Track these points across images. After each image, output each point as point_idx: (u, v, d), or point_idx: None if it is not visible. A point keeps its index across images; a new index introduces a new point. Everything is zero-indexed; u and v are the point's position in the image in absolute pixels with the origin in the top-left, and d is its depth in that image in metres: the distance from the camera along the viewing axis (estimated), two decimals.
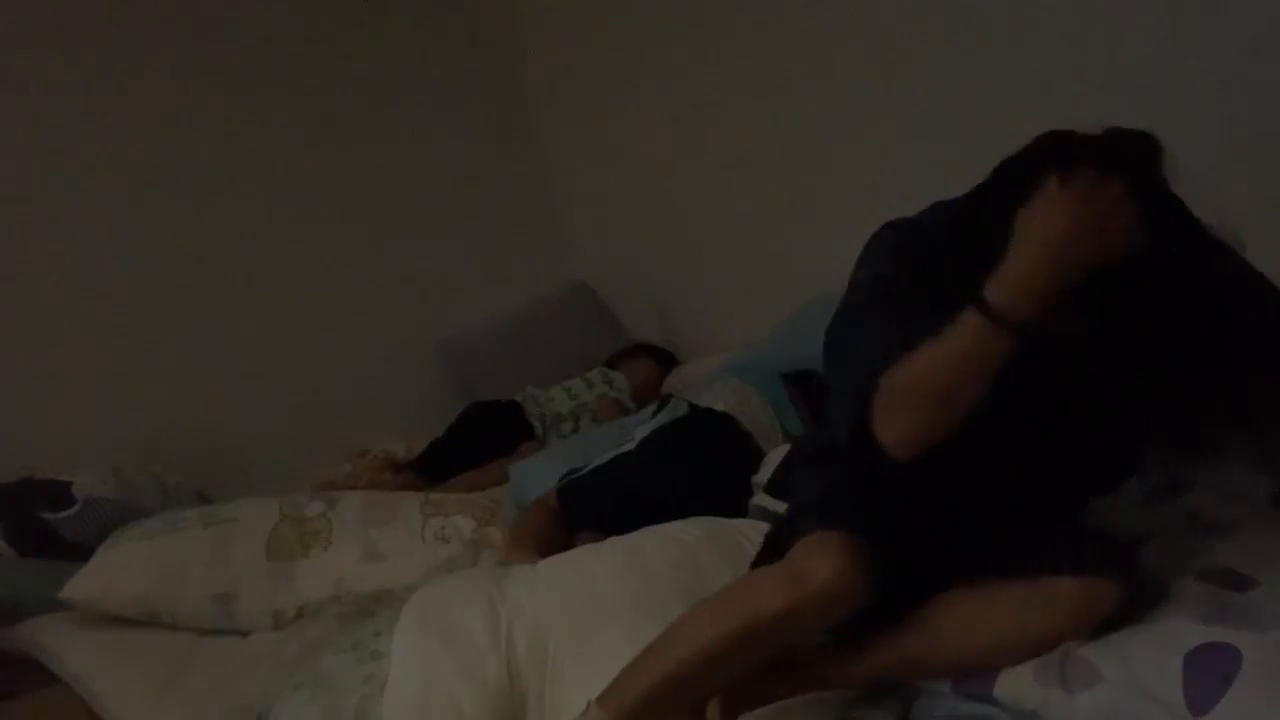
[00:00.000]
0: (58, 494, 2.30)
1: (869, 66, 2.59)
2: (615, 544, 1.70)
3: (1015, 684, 1.26)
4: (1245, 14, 1.93)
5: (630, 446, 2.13)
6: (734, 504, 1.92)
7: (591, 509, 2.00)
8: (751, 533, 1.70)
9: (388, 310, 3.26)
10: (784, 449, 2.04)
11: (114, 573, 2.04)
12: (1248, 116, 1.96)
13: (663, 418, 2.20)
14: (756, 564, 1.47)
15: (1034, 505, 1.38)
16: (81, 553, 2.13)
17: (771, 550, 1.44)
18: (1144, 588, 1.29)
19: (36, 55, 2.69)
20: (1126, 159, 1.17)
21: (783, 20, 2.74)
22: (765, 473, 1.98)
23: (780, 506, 1.77)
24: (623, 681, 1.32)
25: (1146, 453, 1.52)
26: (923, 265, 1.31)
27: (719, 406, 2.19)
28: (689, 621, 1.34)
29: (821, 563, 1.26)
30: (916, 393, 1.20)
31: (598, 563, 1.63)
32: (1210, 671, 1.14)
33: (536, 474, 2.27)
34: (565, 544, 1.88)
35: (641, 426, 2.22)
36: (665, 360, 3.16)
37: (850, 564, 1.25)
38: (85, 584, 2.02)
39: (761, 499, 1.91)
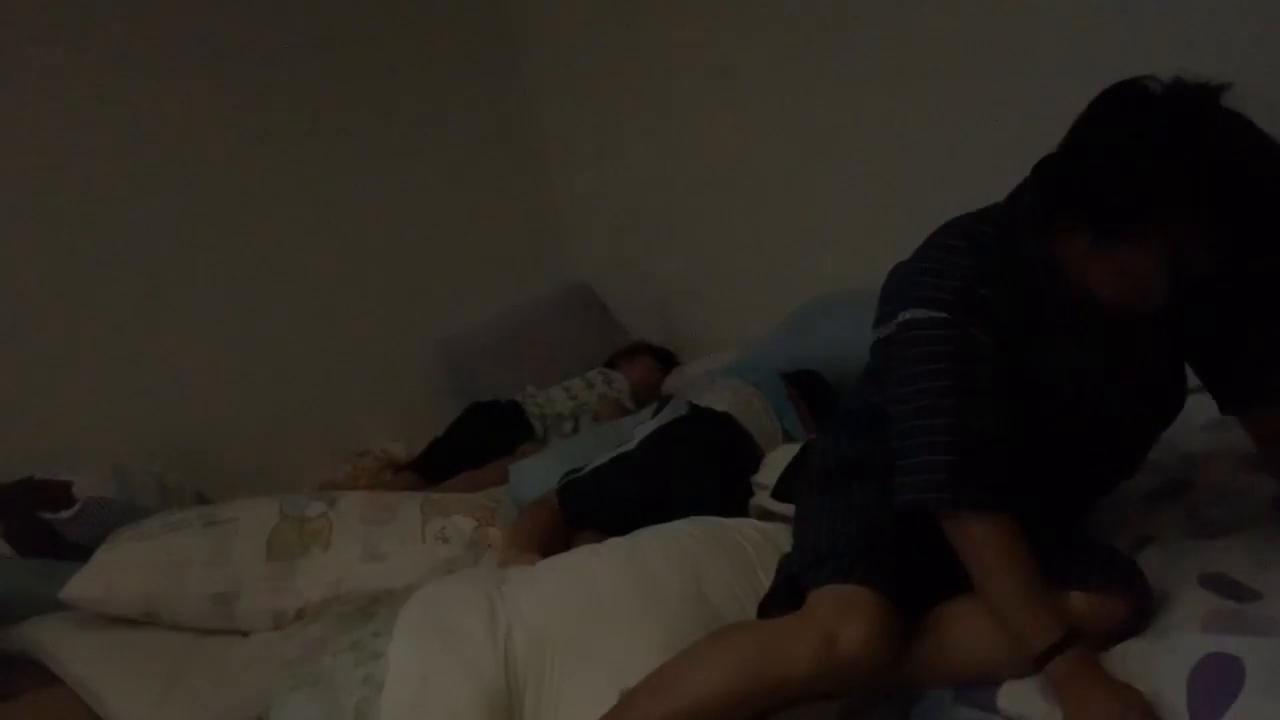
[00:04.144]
0: (58, 494, 2.30)
1: (870, 68, 2.59)
2: (615, 544, 1.70)
3: (1019, 695, 1.25)
4: None
5: (630, 446, 2.13)
6: (734, 504, 1.92)
7: (591, 509, 2.00)
8: (751, 532, 1.70)
9: (388, 310, 3.26)
10: (785, 449, 2.03)
11: (114, 573, 2.04)
12: None
13: (663, 418, 2.20)
14: (772, 598, 1.45)
15: (1048, 510, 1.38)
16: (81, 553, 2.13)
17: (785, 583, 1.42)
18: (1149, 603, 1.29)
19: (43, 58, 2.69)
20: (1191, 111, 1.18)
21: (784, 22, 2.74)
22: (765, 473, 1.97)
23: (783, 509, 1.76)
24: (629, 708, 1.32)
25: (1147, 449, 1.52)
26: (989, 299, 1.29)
27: (719, 406, 2.18)
28: (709, 662, 1.32)
29: (855, 627, 1.26)
30: (970, 554, 1.26)
31: (597, 563, 1.63)
32: (1214, 683, 1.13)
33: (536, 474, 2.27)
34: (565, 544, 1.88)
35: (641, 426, 2.22)
36: (665, 360, 3.16)
37: (882, 628, 1.26)
38: (85, 584, 2.02)
39: (762, 499, 1.91)
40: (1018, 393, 1.29)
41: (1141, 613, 1.28)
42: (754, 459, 2.07)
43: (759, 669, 1.27)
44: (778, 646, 1.29)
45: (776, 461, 1.95)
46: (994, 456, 1.26)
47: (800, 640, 1.27)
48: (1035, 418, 1.31)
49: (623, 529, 1.75)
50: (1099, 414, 1.35)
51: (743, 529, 1.72)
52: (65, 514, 2.26)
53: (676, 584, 1.56)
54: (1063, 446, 1.35)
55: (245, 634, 2.03)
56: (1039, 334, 1.31)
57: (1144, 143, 1.18)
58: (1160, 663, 1.19)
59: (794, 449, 1.92)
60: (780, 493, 1.79)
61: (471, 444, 2.83)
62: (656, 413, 2.28)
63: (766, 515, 1.85)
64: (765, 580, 1.53)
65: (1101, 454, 1.41)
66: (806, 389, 2.30)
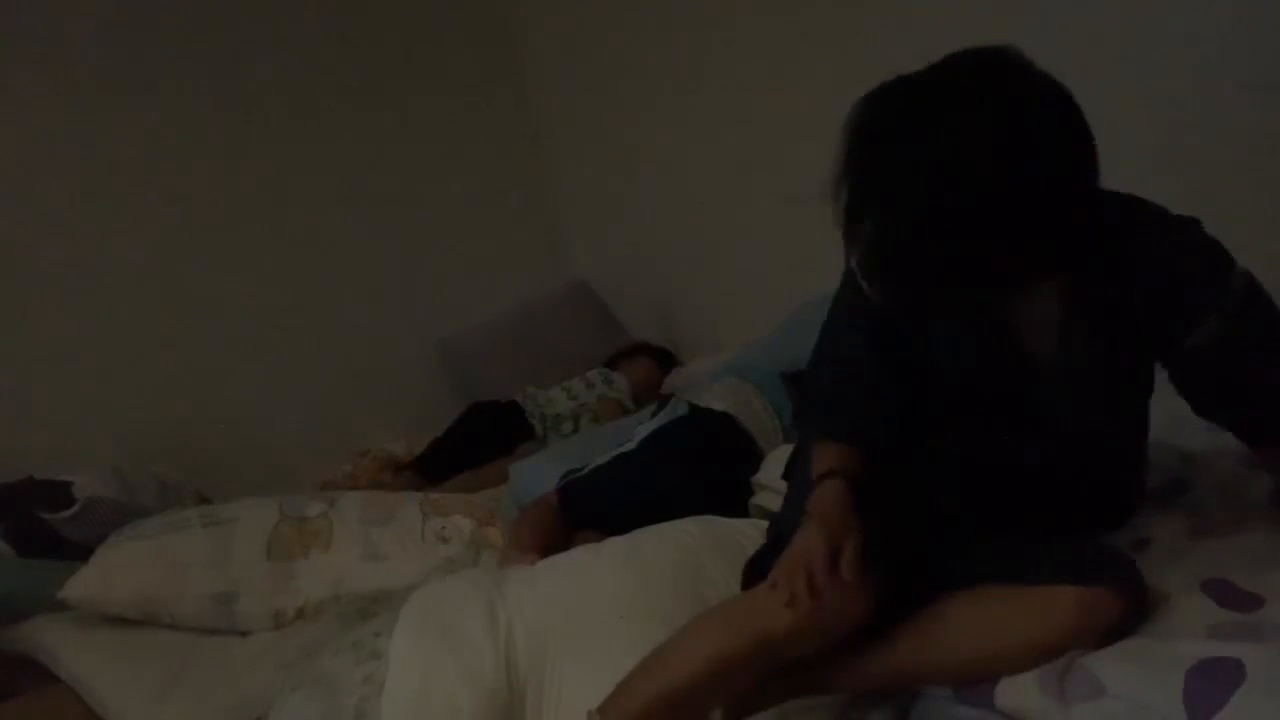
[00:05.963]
0: (58, 494, 2.30)
1: (870, 66, 2.58)
2: (615, 544, 1.70)
3: (1017, 693, 1.25)
4: None
5: (630, 446, 2.13)
6: (734, 504, 1.92)
7: (591, 509, 2.00)
8: (751, 532, 1.70)
9: (388, 310, 3.26)
10: (784, 449, 2.03)
11: (114, 573, 2.04)
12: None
13: (663, 418, 2.20)
14: (755, 562, 1.47)
15: (1039, 526, 1.38)
16: (81, 553, 2.13)
17: (772, 550, 1.43)
18: (1145, 597, 1.28)
19: (45, 59, 2.70)
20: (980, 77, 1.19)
21: (783, 21, 2.74)
22: (765, 473, 1.97)
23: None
24: (625, 692, 1.32)
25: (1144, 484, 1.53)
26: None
27: (719, 406, 2.18)
28: (695, 635, 1.34)
29: (831, 577, 1.27)
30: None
31: (597, 563, 1.63)
32: (1213, 682, 1.12)
33: (536, 474, 2.27)
34: (565, 544, 1.88)
35: (641, 426, 2.22)
36: (665, 360, 3.16)
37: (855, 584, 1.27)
38: (85, 584, 2.02)
39: (762, 499, 1.91)
40: (912, 363, 1.39)
41: (1138, 606, 1.27)
42: (754, 459, 2.07)
43: (741, 630, 1.30)
44: (759, 606, 1.31)
45: (776, 461, 1.95)
46: (842, 391, 1.44)
47: (779, 599, 1.29)
48: (935, 394, 1.39)
49: (623, 529, 1.76)
50: (1007, 402, 1.36)
51: (743, 529, 1.72)
52: (65, 514, 2.26)
53: (676, 583, 1.56)
54: (1002, 446, 1.39)
55: (245, 634, 2.03)
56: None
57: (853, 126, 1.22)
58: (1160, 665, 1.19)
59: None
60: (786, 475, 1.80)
61: (471, 444, 2.83)
62: (656, 413, 2.28)
63: (767, 515, 1.85)
64: None
65: (1051, 459, 1.40)
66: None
